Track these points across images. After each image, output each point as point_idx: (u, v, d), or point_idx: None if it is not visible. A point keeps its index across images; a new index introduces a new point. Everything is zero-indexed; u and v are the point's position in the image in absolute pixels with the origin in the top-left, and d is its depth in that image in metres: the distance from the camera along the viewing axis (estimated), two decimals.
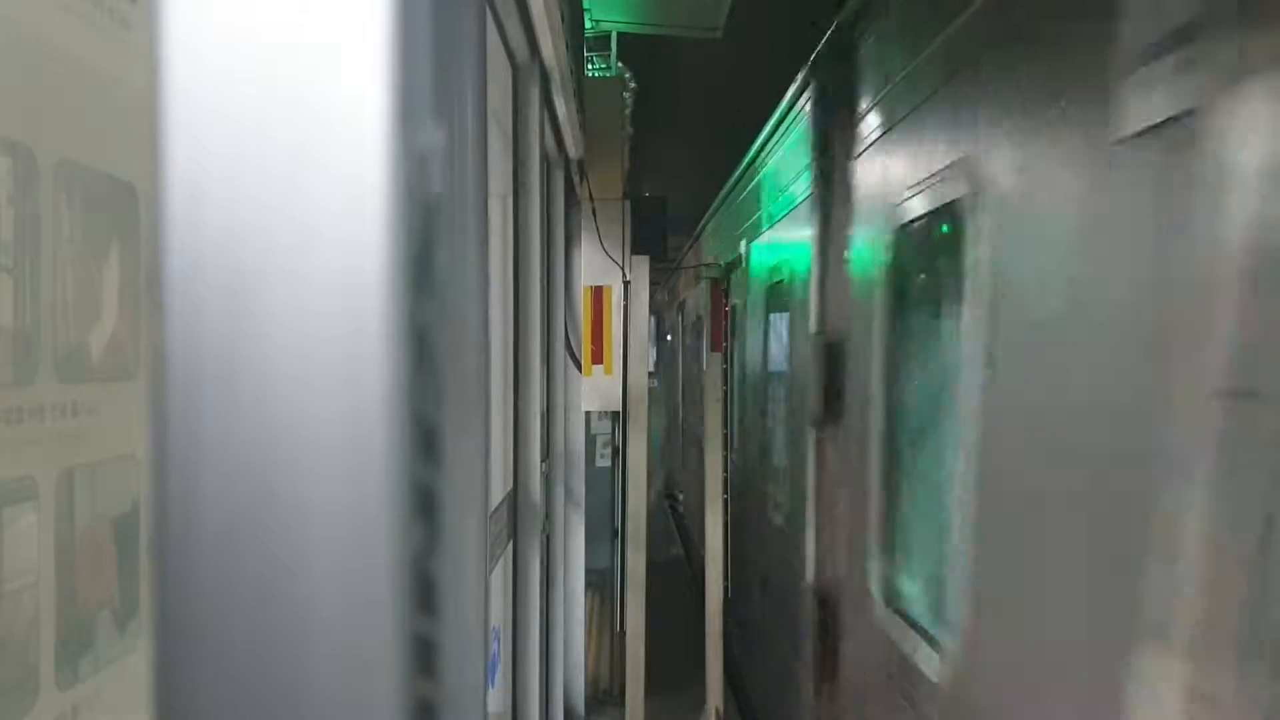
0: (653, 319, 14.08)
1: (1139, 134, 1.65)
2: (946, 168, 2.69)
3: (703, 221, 11.15)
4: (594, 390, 6.61)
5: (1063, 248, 2.00)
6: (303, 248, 0.53)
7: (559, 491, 5.72)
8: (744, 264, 7.30)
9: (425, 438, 0.54)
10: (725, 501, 6.61)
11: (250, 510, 0.52)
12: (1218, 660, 1.42)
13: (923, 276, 3.17)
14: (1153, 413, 1.60)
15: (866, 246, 3.76)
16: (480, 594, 0.76)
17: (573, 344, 6.17)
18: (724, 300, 6.81)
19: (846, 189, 4.04)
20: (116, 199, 1.40)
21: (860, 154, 3.85)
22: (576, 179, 6.14)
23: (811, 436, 4.40)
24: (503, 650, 3.65)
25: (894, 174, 3.32)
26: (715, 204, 9.49)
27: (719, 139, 9.98)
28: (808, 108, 4.64)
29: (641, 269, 6.42)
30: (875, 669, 3.41)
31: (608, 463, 7.91)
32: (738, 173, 7.80)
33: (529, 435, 3.89)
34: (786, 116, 5.42)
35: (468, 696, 0.60)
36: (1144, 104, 1.64)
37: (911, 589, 3.23)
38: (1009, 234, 2.28)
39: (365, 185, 0.53)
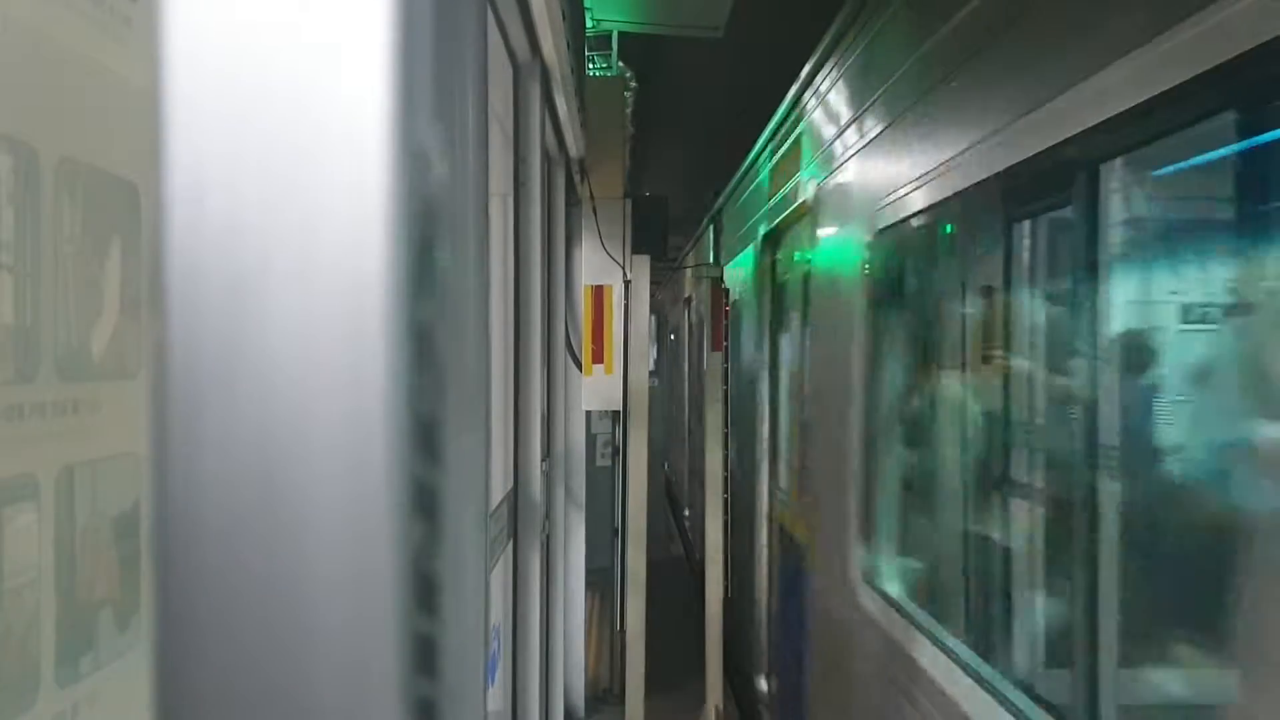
0: (653, 318, 14.06)
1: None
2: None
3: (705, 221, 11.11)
4: (594, 390, 6.61)
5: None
6: (304, 246, 0.53)
7: (559, 491, 5.72)
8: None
9: (426, 436, 0.54)
10: (726, 501, 6.61)
11: (251, 508, 0.52)
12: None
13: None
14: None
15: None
16: (480, 593, 0.76)
17: (573, 343, 6.17)
18: (724, 300, 6.82)
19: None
20: (117, 197, 1.40)
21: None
22: (577, 178, 6.14)
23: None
24: (503, 649, 3.66)
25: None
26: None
27: (720, 138, 9.99)
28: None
29: (642, 268, 6.43)
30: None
31: (608, 462, 7.91)
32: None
33: (529, 435, 3.89)
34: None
35: (468, 695, 0.60)
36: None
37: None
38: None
39: (366, 183, 0.53)
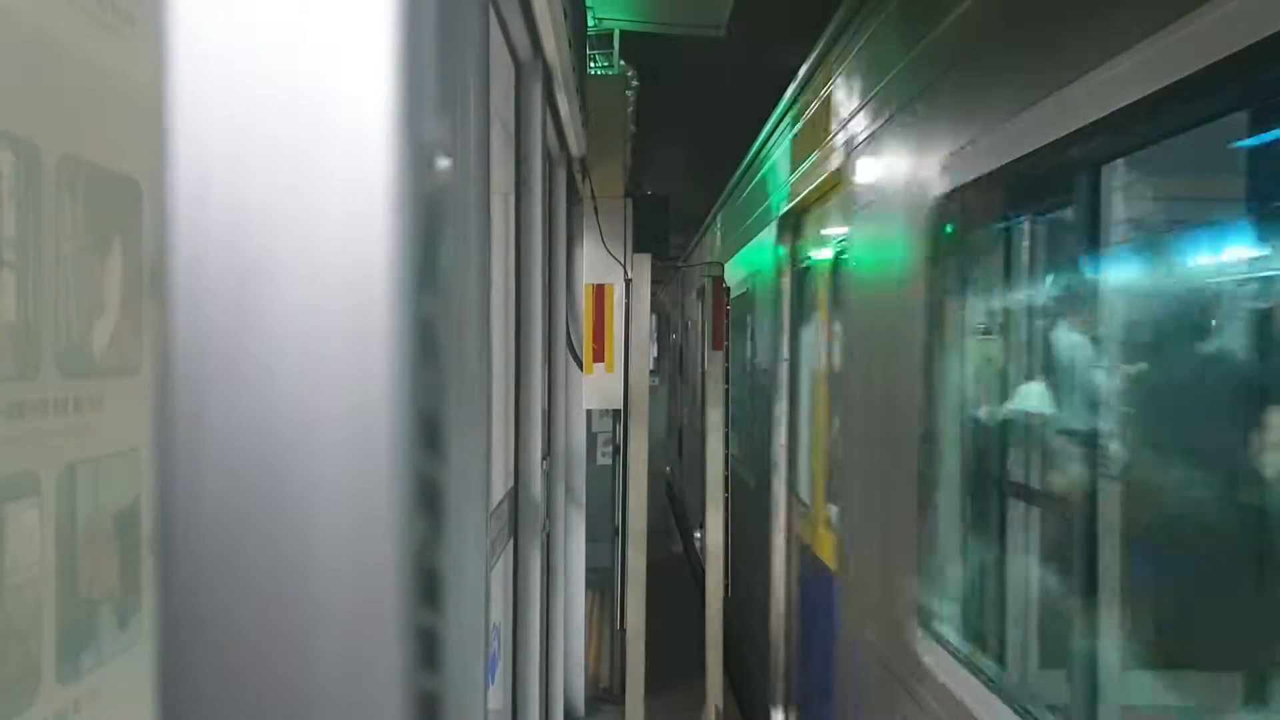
0: (654, 316, 13.97)
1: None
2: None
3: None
4: (595, 388, 6.61)
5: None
6: (307, 243, 0.53)
7: (560, 490, 5.72)
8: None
9: (428, 431, 0.54)
10: (726, 500, 6.60)
11: (254, 503, 0.52)
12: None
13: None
14: None
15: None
16: (481, 589, 0.76)
17: (574, 342, 6.17)
18: (724, 298, 6.79)
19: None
20: (119, 194, 1.41)
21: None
22: (579, 177, 6.14)
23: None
24: (503, 648, 3.66)
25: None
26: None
27: (721, 138, 9.98)
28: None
29: (643, 267, 6.43)
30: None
31: (609, 461, 7.91)
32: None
33: (530, 433, 3.89)
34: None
35: (469, 691, 0.61)
36: None
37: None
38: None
39: (369, 181, 0.53)
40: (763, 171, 7.10)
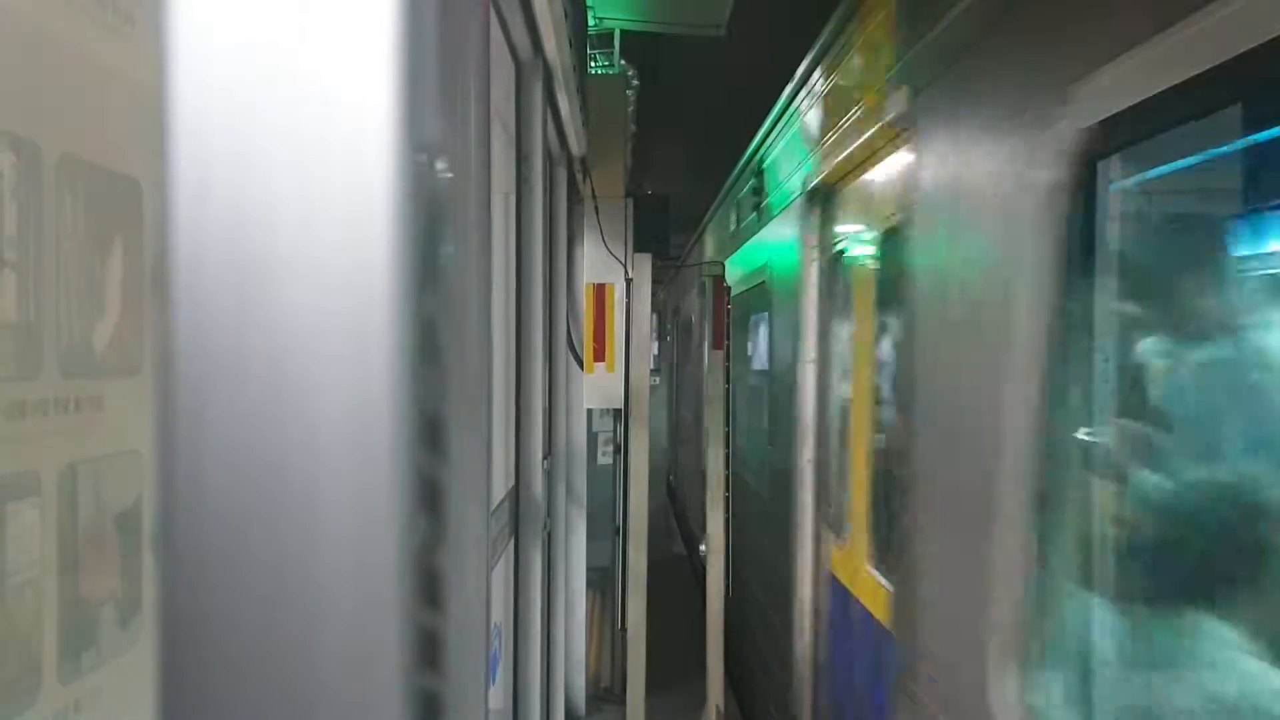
0: (654, 315, 13.85)
1: None
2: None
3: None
4: (596, 387, 6.62)
5: None
6: (308, 242, 0.53)
7: (561, 489, 5.72)
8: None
9: (430, 431, 0.54)
10: (727, 500, 6.59)
11: (255, 502, 0.52)
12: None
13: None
14: None
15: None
16: (482, 589, 0.76)
17: (575, 341, 6.17)
18: (725, 297, 6.76)
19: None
20: (119, 193, 1.41)
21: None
22: (579, 176, 6.14)
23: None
24: (505, 648, 3.66)
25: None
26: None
27: (721, 137, 9.98)
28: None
29: (644, 267, 6.43)
30: None
31: (609, 460, 7.91)
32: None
33: (531, 432, 3.89)
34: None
35: (470, 690, 0.61)
36: None
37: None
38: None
39: (369, 180, 0.53)
40: (784, 141, 6.04)
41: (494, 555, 3.23)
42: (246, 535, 0.52)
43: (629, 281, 6.52)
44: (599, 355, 6.54)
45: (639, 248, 6.68)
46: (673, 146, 13.03)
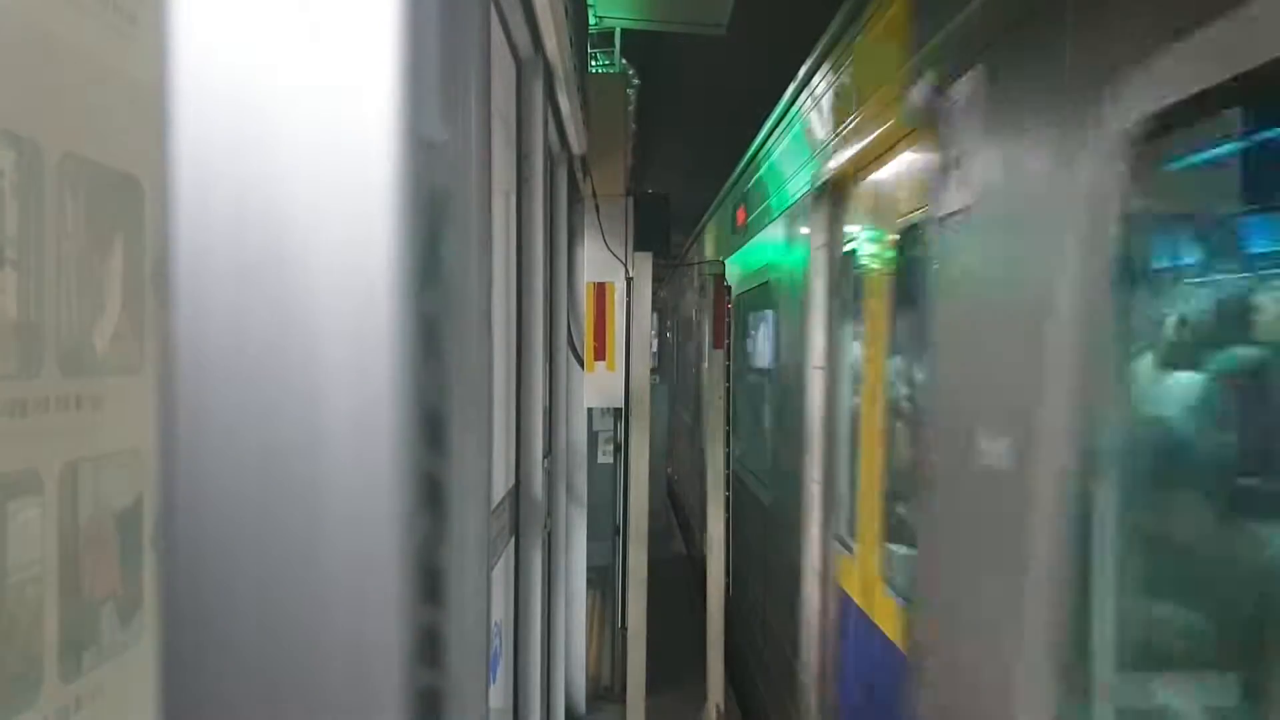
0: (654, 314, 13.74)
1: None
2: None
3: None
4: (596, 386, 6.62)
5: None
6: (310, 239, 0.53)
7: (561, 488, 5.73)
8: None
9: (431, 428, 0.54)
10: (727, 499, 6.58)
11: (257, 500, 0.52)
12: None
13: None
14: None
15: None
16: (483, 587, 0.76)
17: (575, 340, 6.17)
18: (726, 296, 6.75)
19: None
20: (120, 192, 1.41)
21: None
22: (580, 175, 6.14)
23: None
24: (505, 647, 3.66)
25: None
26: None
27: (722, 136, 9.98)
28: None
29: (644, 265, 6.43)
30: None
31: (609, 460, 7.91)
32: None
33: (531, 431, 3.89)
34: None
35: (471, 687, 0.61)
36: None
37: None
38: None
39: (371, 178, 0.53)
40: (793, 134, 5.81)
41: (494, 554, 3.23)
42: (248, 532, 0.52)
43: (629, 280, 6.52)
44: (599, 354, 6.54)
45: (640, 246, 6.68)
46: (673, 146, 13.04)
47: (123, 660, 1.38)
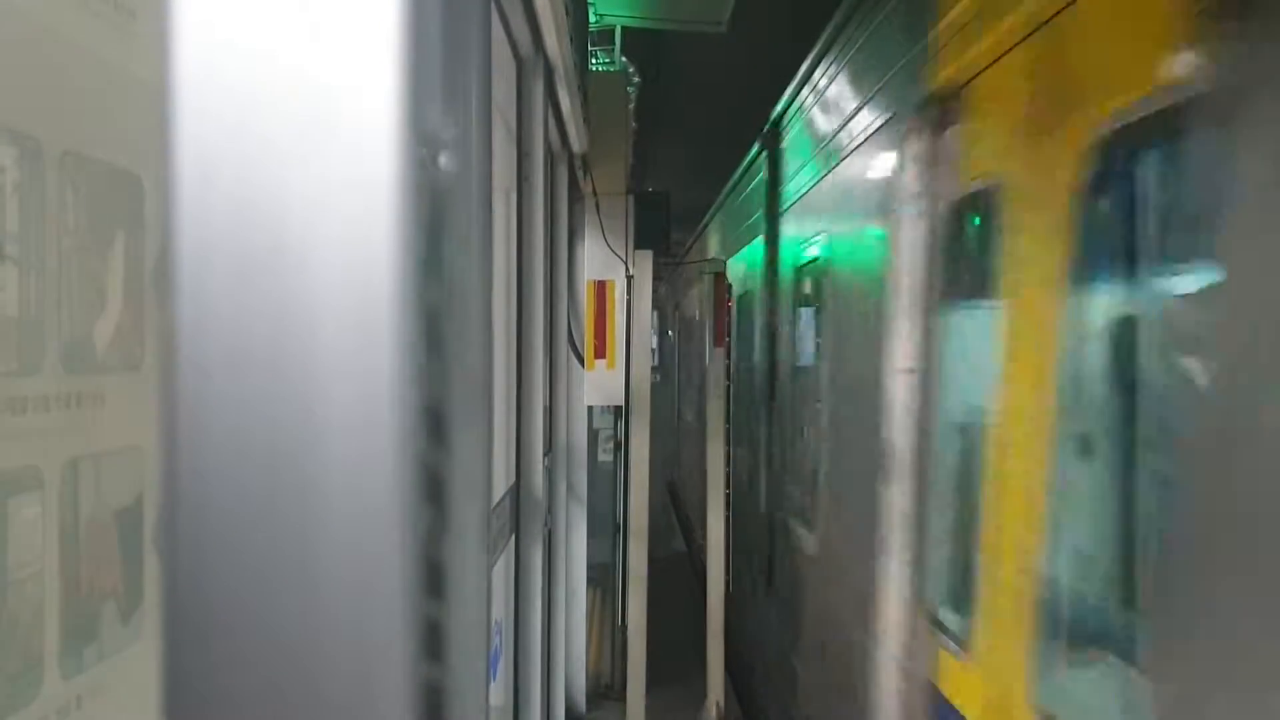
0: (655, 313, 13.62)
1: None
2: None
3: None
4: (596, 385, 6.61)
5: None
6: (311, 236, 0.53)
7: (561, 486, 5.73)
8: None
9: (433, 423, 0.55)
10: (728, 497, 6.58)
11: (259, 495, 0.52)
12: None
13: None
14: None
15: None
16: (483, 583, 0.76)
17: (575, 338, 6.17)
18: (727, 295, 6.73)
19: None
20: (121, 189, 1.41)
21: None
22: (580, 173, 6.14)
23: None
24: (505, 645, 3.66)
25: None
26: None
27: (722, 134, 9.98)
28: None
29: (645, 263, 6.42)
30: None
31: (610, 458, 7.91)
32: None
33: (532, 430, 3.89)
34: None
35: (472, 681, 0.61)
36: None
37: None
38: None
39: (372, 175, 0.53)
40: (795, 131, 5.24)
41: (495, 552, 3.23)
42: (250, 528, 0.52)
43: (630, 278, 6.52)
44: (600, 352, 6.54)
45: (640, 244, 6.67)
46: (674, 143, 13.03)
47: (123, 657, 1.38)
